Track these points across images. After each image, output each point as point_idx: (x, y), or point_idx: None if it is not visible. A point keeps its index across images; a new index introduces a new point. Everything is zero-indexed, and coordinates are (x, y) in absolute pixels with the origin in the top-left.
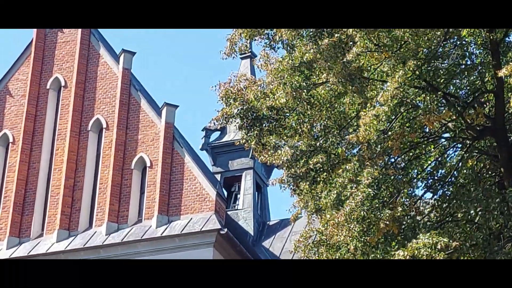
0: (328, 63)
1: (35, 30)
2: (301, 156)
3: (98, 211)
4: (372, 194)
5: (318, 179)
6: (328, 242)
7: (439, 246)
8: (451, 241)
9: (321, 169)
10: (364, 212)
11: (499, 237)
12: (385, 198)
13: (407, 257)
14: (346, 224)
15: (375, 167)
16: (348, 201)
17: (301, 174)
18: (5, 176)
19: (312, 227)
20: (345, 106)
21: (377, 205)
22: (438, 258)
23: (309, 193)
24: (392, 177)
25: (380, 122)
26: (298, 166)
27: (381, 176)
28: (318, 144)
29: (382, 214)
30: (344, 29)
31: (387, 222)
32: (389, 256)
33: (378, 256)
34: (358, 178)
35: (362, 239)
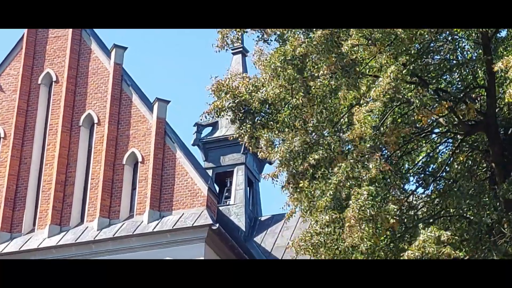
0: (321, 56)
1: None
2: (298, 154)
3: (90, 206)
4: (375, 192)
5: (316, 175)
6: (345, 246)
7: (442, 239)
8: (453, 236)
9: (320, 165)
10: (371, 210)
11: (491, 233)
12: (383, 195)
13: (417, 256)
14: (357, 225)
15: (379, 160)
16: (353, 200)
17: (301, 171)
18: None
19: (310, 228)
20: (338, 100)
21: (379, 203)
22: (445, 252)
23: (306, 190)
24: (390, 173)
25: (374, 117)
26: (296, 163)
27: (383, 172)
28: (311, 139)
29: (389, 211)
30: None
31: (394, 219)
32: (398, 256)
33: (389, 255)
34: (355, 175)
35: (373, 240)
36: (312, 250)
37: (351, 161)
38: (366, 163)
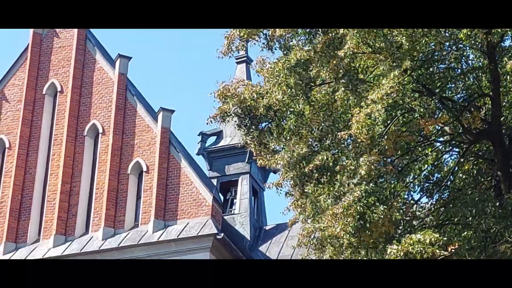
0: (322, 61)
1: (31, 35)
2: (303, 159)
3: (95, 216)
4: (369, 191)
5: (322, 180)
6: (327, 235)
7: (427, 241)
8: (441, 238)
9: (324, 169)
10: (361, 208)
11: (495, 241)
12: (381, 196)
13: (401, 253)
14: (342, 217)
15: (372, 157)
16: (346, 195)
17: (306, 174)
18: (2, 181)
19: (316, 225)
20: (338, 102)
21: (373, 202)
22: (430, 252)
23: (311, 195)
24: (389, 176)
25: (374, 121)
26: (301, 167)
27: (377, 170)
28: (316, 145)
29: (377, 209)
30: (338, 29)
31: (382, 216)
32: (383, 251)
33: (375, 255)
34: (355, 171)
35: (357, 235)
36: (316, 245)
37: (351, 160)
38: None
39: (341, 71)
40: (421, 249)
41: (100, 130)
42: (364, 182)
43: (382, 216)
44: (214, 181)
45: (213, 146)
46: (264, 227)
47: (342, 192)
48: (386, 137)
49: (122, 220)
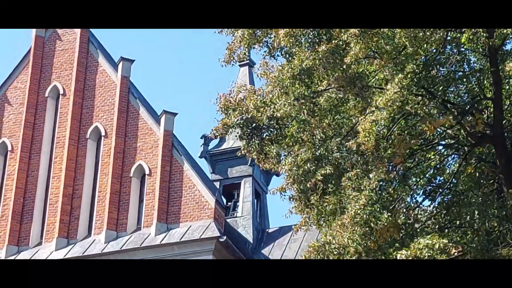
0: (327, 70)
1: (33, 38)
2: (309, 170)
3: (97, 219)
4: (374, 199)
5: (328, 190)
6: (333, 245)
7: (436, 246)
8: (450, 243)
9: (330, 181)
10: (366, 216)
11: (497, 243)
12: (386, 203)
13: (410, 258)
14: (350, 227)
15: (380, 170)
16: (351, 204)
17: (310, 187)
18: (4, 184)
19: (320, 238)
20: (348, 111)
21: (378, 210)
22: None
23: (316, 204)
24: (394, 183)
25: (380, 128)
26: (306, 179)
27: (384, 181)
28: (319, 153)
29: (381, 217)
30: (341, 35)
31: (386, 224)
32: (390, 257)
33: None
34: (361, 183)
35: (363, 243)
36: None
37: (358, 171)
38: (374, 171)
39: (345, 76)
40: (430, 254)
41: (103, 133)
42: (369, 189)
43: (386, 224)
44: (217, 184)
45: (215, 149)
46: (267, 230)
47: (348, 201)
48: (393, 143)
49: (124, 223)
